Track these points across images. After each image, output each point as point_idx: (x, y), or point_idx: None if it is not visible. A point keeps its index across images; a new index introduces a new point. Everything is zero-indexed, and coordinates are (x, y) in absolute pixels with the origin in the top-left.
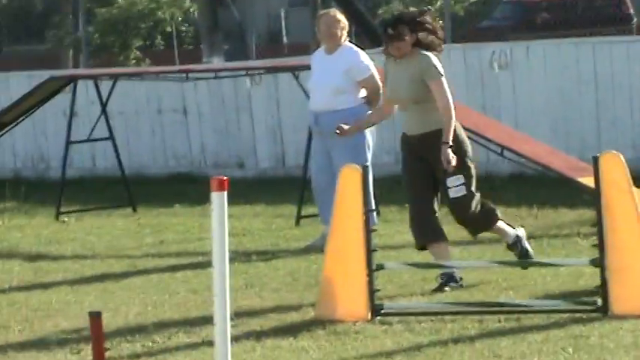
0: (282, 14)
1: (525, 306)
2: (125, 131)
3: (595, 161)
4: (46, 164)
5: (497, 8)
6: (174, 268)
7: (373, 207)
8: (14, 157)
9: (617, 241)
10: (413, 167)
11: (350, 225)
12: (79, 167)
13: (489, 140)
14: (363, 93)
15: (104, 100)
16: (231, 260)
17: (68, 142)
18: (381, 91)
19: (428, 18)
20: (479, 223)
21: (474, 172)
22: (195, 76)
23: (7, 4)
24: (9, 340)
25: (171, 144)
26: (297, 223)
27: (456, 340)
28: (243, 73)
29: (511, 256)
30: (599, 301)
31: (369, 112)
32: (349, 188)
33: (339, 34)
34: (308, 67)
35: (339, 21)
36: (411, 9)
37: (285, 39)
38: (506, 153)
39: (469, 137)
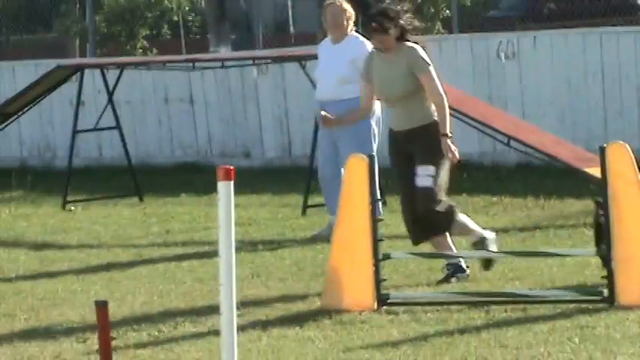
0: (289, 4)
1: (532, 296)
2: (132, 120)
3: (602, 151)
4: (53, 153)
5: None
6: (180, 258)
7: (379, 197)
8: (21, 146)
9: (623, 231)
10: (401, 167)
11: (356, 215)
12: (85, 156)
13: (496, 130)
14: None
15: (111, 89)
16: (238, 250)
17: (75, 132)
18: None
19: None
20: (438, 220)
21: (446, 172)
22: (202, 65)
23: None
24: (15, 329)
25: (178, 133)
26: (304, 212)
27: (463, 330)
28: (250, 62)
29: (518, 247)
30: (606, 292)
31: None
32: (356, 178)
33: (345, 23)
34: (315, 57)
35: (345, 11)
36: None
37: (292, 29)
38: (512, 143)
39: (476, 127)
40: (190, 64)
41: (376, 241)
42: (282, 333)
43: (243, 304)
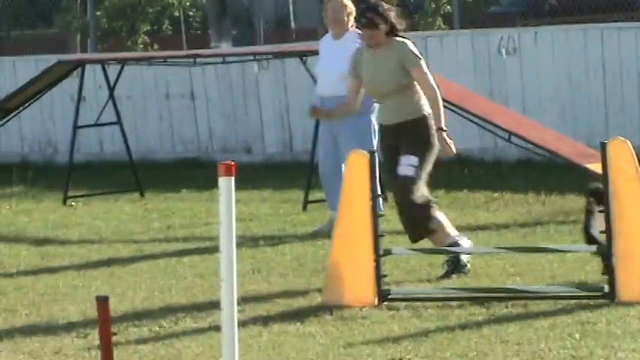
0: None
1: (532, 292)
2: (133, 116)
3: (603, 147)
4: (54, 149)
5: None
6: (181, 253)
7: (380, 192)
8: (21, 142)
9: (624, 227)
10: (392, 161)
11: (357, 210)
12: (86, 152)
13: (497, 126)
14: None
15: (112, 84)
16: (239, 245)
17: (76, 127)
18: None
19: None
20: (415, 212)
21: (429, 166)
22: (202, 60)
23: None
24: (16, 324)
25: (179, 129)
26: (305, 208)
27: (463, 326)
28: (251, 58)
29: (519, 242)
30: (606, 288)
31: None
32: (356, 174)
33: (345, 19)
34: (316, 53)
35: (345, 6)
36: None
37: (293, 24)
38: (513, 139)
39: (477, 123)
40: (191, 60)
41: (377, 236)
42: (283, 328)
43: (244, 300)
